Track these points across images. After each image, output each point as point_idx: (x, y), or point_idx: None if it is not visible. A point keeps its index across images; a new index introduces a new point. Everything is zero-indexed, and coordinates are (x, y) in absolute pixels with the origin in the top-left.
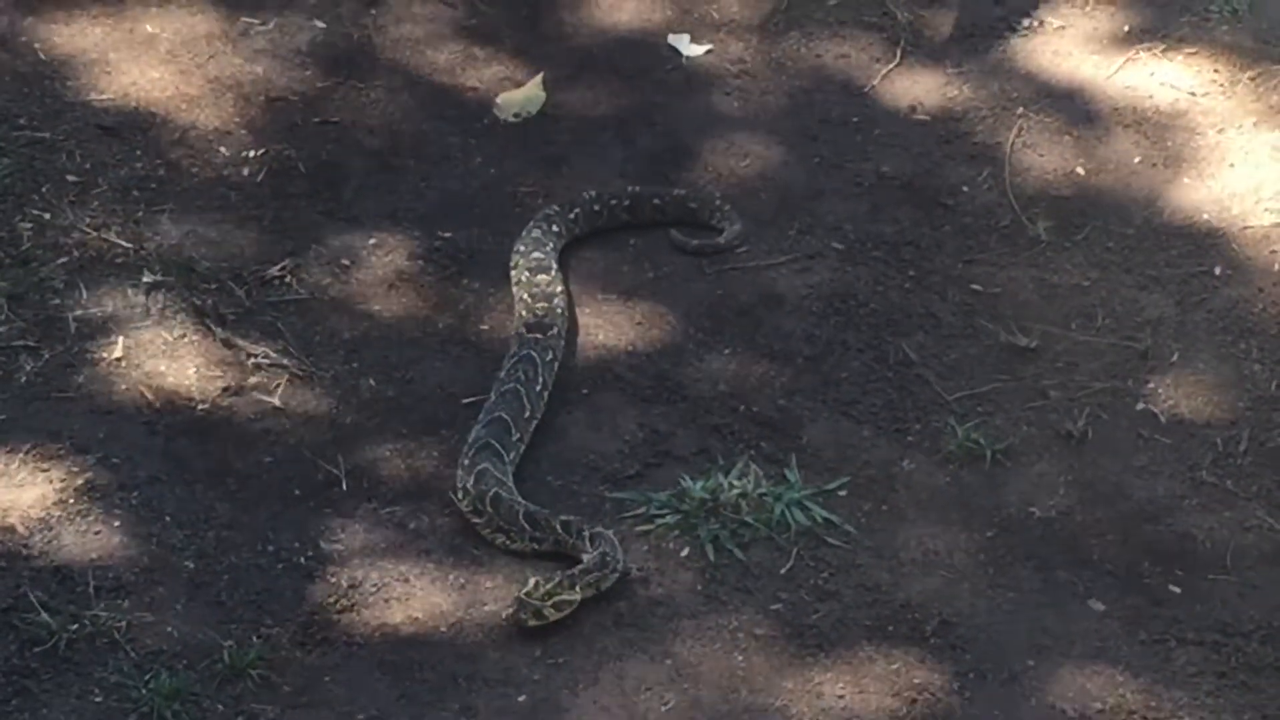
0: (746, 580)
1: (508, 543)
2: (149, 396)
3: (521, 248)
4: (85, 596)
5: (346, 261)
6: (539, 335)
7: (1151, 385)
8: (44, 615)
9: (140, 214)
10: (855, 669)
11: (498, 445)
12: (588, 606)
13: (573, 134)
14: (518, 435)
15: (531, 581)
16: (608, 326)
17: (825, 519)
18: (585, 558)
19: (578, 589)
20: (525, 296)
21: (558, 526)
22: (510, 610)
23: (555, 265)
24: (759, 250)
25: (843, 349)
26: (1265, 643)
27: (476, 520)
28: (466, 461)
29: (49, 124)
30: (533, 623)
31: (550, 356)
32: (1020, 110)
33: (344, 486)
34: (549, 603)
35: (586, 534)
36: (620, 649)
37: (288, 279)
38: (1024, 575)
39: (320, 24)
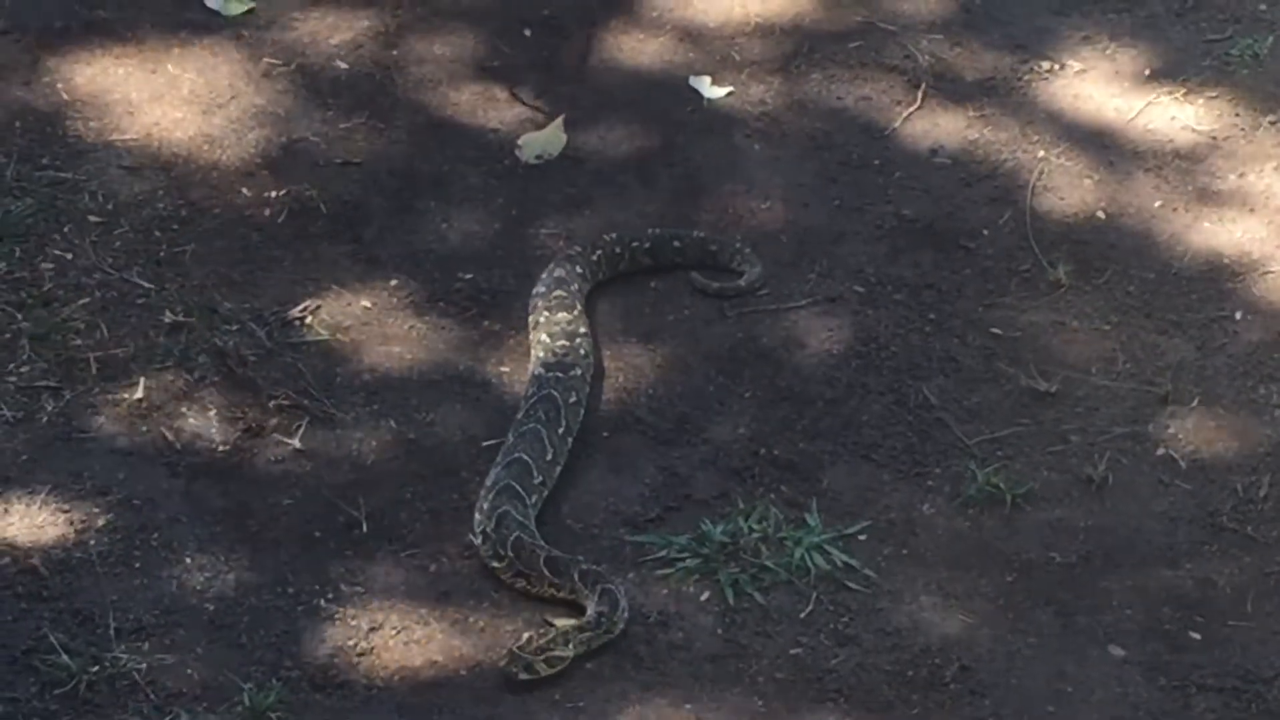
0: (766, 624)
1: (528, 587)
2: (170, 437)
3: (542, 289)
4: (105, 638)
5: (367, 303)
6: (559, 374)
7: (1172, 430)
8: (64, 657)
9: (162, 254)
10: (875, 714)
11: (518, 488)
12: (607, 651)
13: (593, 176)
14: (540, 478)
15: (525, 635)
16: (628, 369)
17: (845, 563)
18: (588, 613)
19: (571, 646)
20: (544, 337)
21: (575, 575)
22: (503, 662)
23: (580, 305)
24: (779, 293)
25: (863, 392)
26: None
27: (496, 565)
28: (485, 505)
29: (71, 164)
30: (523, 676)
31: (574, 399)
32: (1041, 153)
33: (364, 529)
34: (541, 657)
35: (598, 589)
36: (640, 693)
37: (309, 320)
38: (1044, 620)
39: (342, 65)
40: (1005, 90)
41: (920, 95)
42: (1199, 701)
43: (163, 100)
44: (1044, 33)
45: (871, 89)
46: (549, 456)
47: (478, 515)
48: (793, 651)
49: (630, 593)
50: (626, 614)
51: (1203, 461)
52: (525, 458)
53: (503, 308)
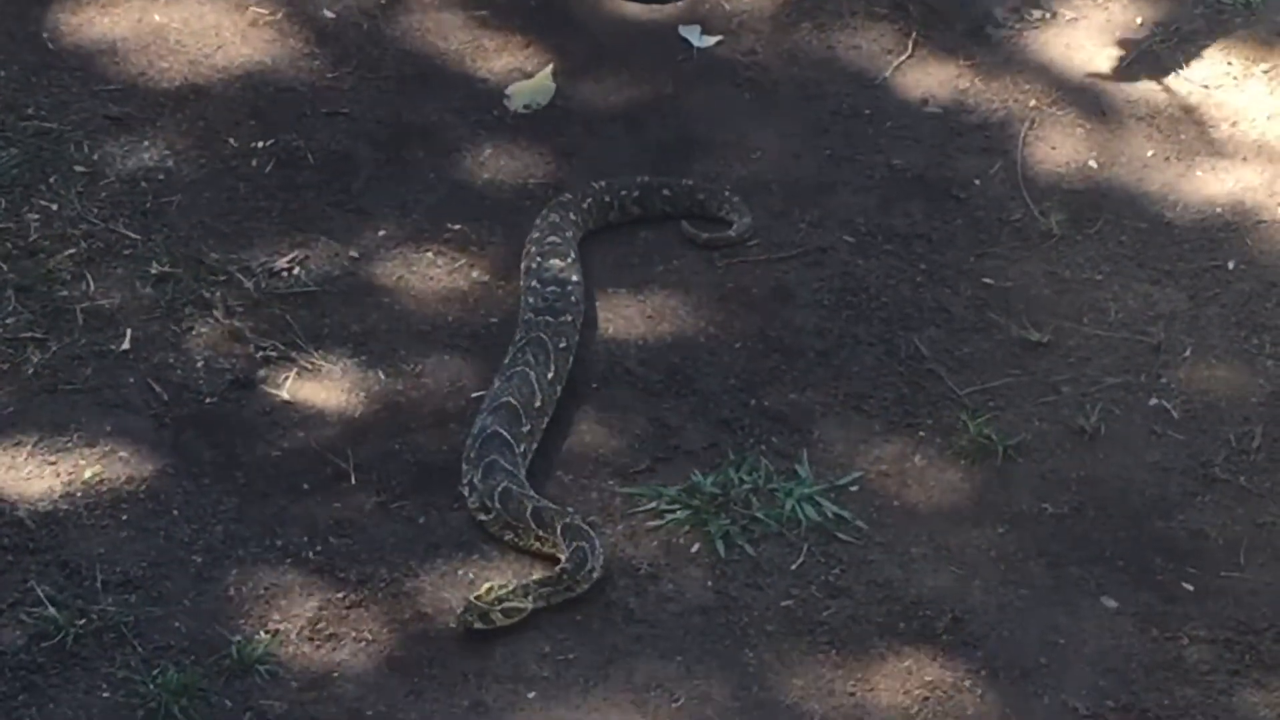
0: (757, 576)
1: (516, 540)
2: (157, 389)
3: (536, 234)
4: (93, 591)
5: (355, 253)
6: (549, 319)
7: (1164, 380)
8: (51, 609)
9: (148, 205)
10: (866, 666)
11: (506, 435)
12: (597, 603)
13: (583, 125)
14: (528, 426)
15: (485, 585)
16: (618, 320)
17: (836, 515)
18: (556, 569)
19: (530, 599)
20: (534, 283)
21: (559, 529)
22: (460, 610)
23: (574, 252)
24: (770, 243)
25: (854, 343)
26: (1278, 640)
27: (484, 517)
28: (472, 454)
29: (56, 114)
30: (478, 625)
31: (564, 344)
32: (1033, 103)
33: (353, 480)
34: (498, 608)
35: (572, 546)
36: (630, 645)
37: (296, 271)
38: (1036, 572)
39: (329, 14)
40: (996, 39)
41: (911, 44)
42: (1192, 653)
43: (149, 50)
44: None
45: (862, 38)
46: (538, 403)
47: (464, 465)
48: (784, 603)
49: (620, 545)
50: (596, 574)
51: (1195, 412)
52: (513, 402)
53: (491, 258)
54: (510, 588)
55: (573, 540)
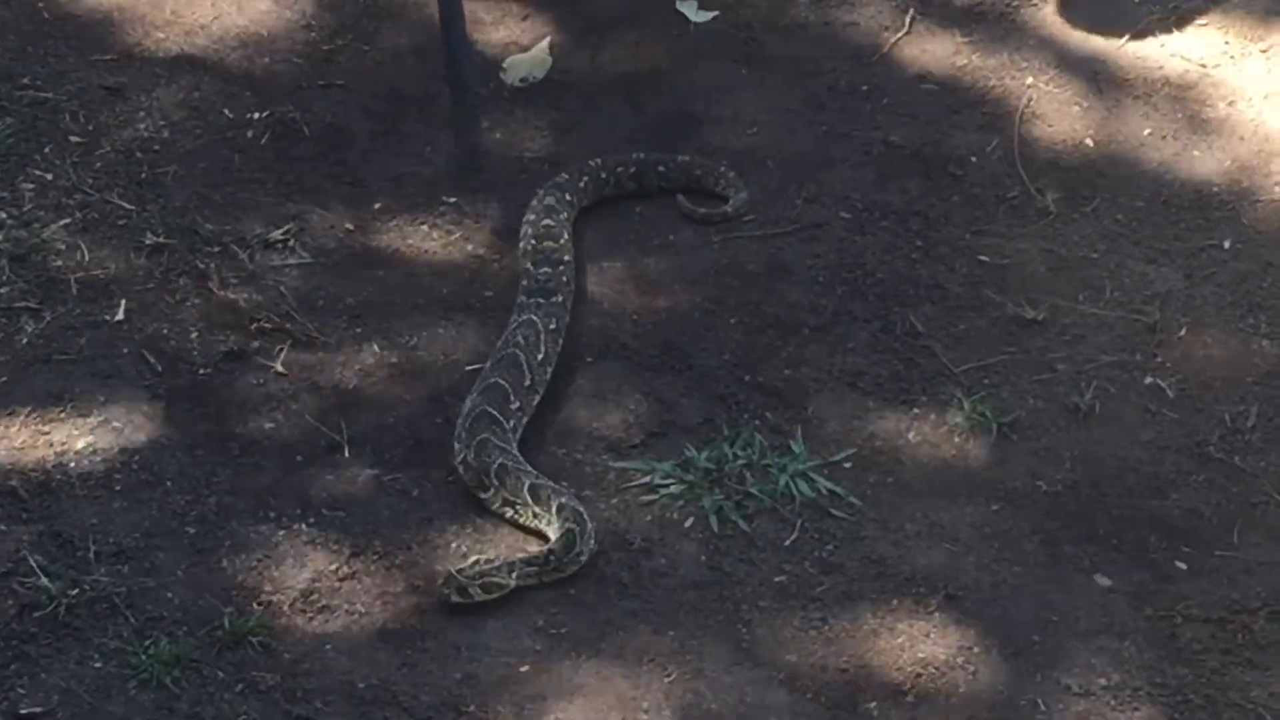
0: (750, 552)
1: (515, 516)
2: (151, 360)
3: (531, 215)
4: (85, 561)
5: (350, 225)
6: (541, 299)
7: (1159, 359)
8: (44, 580)
9: (143, 176)
10: (859, 642)
11: (496, 413)
12: (590, 577)
13: (579, 99)
14: (518, 404)
15: (470, 559)
16: (613, 295)
17: (830, 491)
18: (544, 549)
19: (514, 576)
20: (529, 265)
21: (554, 508)
22: (439, 582)
23: (567, 233)
24: (766, 219)
25: (849, 319)
26: (1271, 619)
27: (483, 495)
28: (464, 434)
29: (52, 84)
30: (456, 599)
31: (554, 325)
32: (1030, 80)
33: (346, 453)
34: (478, 582)
35: (564, 529)
36: (623, 620)
37: (291, 243)
38: (1030, 549)
39: None
40: (994, 16)
41: (909, 21)
42: (1185, 632)
43: (144, 20)
44: None
45: (859, 14)
46: (527, 382)
47: (456, 444)
48: (777, 579)
49: (613, 519)
50: (583, 558)
51: (1190, 391)
52: (502, 383)
53: (487, 231)
54: (496, 563)
55: (565, 522)
